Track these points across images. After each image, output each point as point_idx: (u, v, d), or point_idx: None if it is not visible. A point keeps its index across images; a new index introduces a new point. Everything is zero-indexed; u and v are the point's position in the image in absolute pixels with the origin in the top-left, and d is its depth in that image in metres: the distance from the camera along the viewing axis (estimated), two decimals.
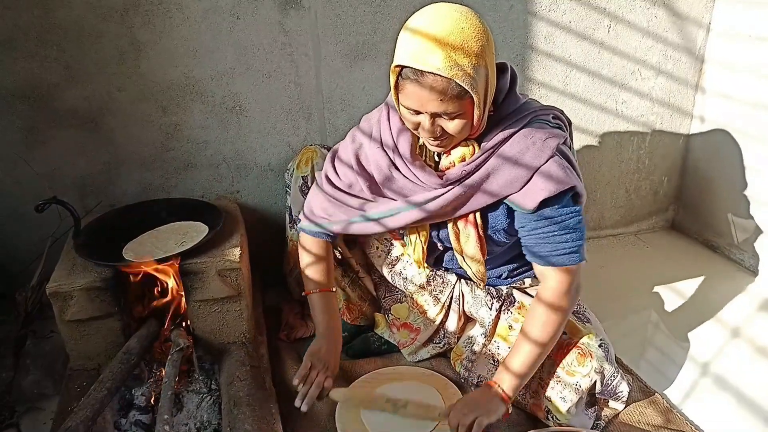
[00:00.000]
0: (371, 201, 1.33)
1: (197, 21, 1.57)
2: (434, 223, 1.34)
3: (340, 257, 1.59)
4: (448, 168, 1.23)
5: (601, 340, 1.31)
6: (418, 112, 1.11)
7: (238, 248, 1.45)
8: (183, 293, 1.45)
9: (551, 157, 1.17)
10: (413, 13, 1.10)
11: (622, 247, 2.23)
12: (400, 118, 1.22)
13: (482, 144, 1.20)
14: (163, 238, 1.52)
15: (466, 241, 1.31)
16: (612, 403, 1.36)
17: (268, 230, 1.81)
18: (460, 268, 1.40)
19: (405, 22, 1.11)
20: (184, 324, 1.50)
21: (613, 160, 2.13)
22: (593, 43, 1.91)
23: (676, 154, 2.21)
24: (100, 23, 1.52)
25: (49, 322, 1.55)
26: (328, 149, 1.68)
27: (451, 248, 1.36)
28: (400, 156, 1.25)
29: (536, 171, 1.17)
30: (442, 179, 1.23)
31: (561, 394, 1.29)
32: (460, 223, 1.30)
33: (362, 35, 1.70)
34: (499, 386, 1.23)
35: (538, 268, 1.26)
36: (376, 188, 1.31)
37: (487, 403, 1.22)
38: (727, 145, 2.04)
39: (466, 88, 1.05)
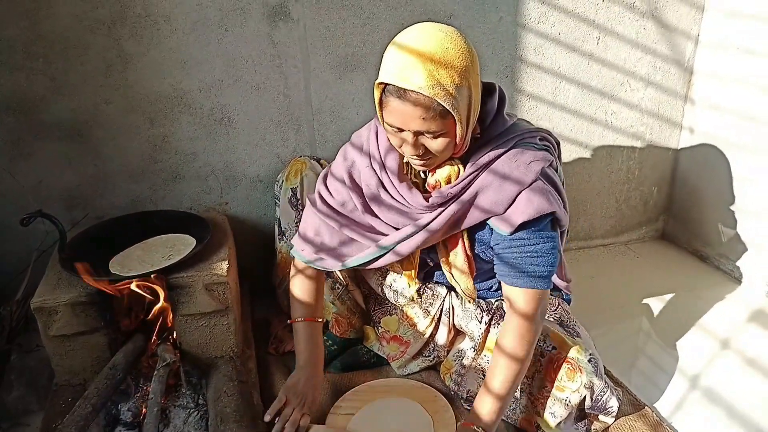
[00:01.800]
0: (358, 230, 1.31)
1: (185, 33, 1.56)
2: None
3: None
4: (435, 186, 1.23)
5: (590, 354, 1.30)
6: (401, 130, 1.11)
7: (226, 262, 1.44)
8: (170, 307, 1.43)
9: (534, 181, 1.17)
10: (401, 26, 1.10)
11: (612, 258, 2.23)
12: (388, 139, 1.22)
13: (468, 165, 1.20)
14: (150, 251, 1.51)
15: (455, 258, 1.32)
16: (602, 417, 1.35)
17: (257, 242, 1.80)
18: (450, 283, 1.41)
19: (393, 38, 1.10)
20: (171, 338, 1.49)
21: (603, 170, 2.14)
22: (582, 55, 1.91)
23: (665, 165, 2.22)
24: (87, 35, 1.51)
25: (35, 336, 1.53)
26: (318, 161, 1.68)
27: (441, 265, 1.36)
28: (387, 174, 1.24)
29: (518, 194, 1.17)
30: (428, 202, 1.22)
31: (551, 410, 1.29)
32: (449, 244, 1.30)
33: (351, 47, 1.70)
34: (477, 428, 1.22)
35: (505, 290, 1.25)
36: (366, 207, 1.29)
37: None
38: (716, 156, 2.05)
39: (447, 107, 1.05)
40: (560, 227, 1.25)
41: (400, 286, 1.51)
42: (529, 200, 1.16)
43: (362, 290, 1.64)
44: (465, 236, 1.28)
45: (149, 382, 1.35)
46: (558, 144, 1.32)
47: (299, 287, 1.41)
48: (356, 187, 1.30)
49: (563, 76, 1.92)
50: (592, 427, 1.35)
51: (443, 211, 1.22)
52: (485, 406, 1.23)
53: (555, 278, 1.43)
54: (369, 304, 1.64)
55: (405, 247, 1.27)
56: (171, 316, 1.44)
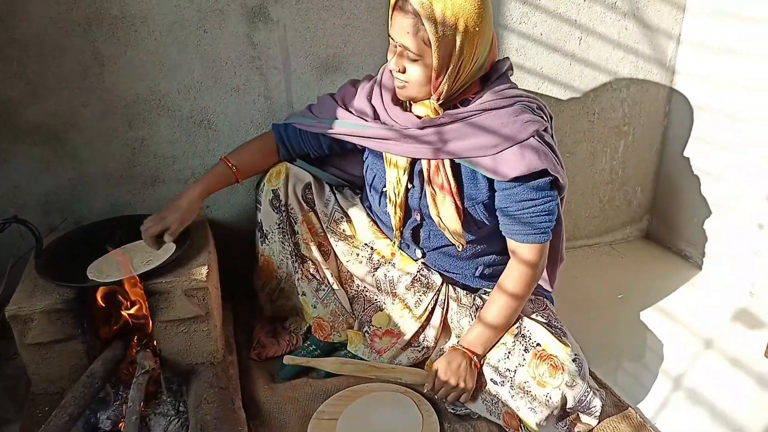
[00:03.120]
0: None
1: (163, 34, 1.54)
2: (411, 189, 1.41)
3: (314, 273, 1.58)
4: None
5: (576, 354, 1.32)
6: (395, 47, 1.25)
7: (206, 267, 1.42)
8: (149, 313, 1.41)
9: (528, 138, 1.26)
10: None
11: (597, 258, 2.24)
12: (389, 78, 1.37)
13: (466, 105, 1.32)
14: (130, 256, 1.48)
15: (443, 203, 1.36)
16: (585, 418, 1.35)
17: (239, 246, 1.78)
18: (441, 245, 1.46)
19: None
20: (151, 345, 1.47)
21: (586, 170, 2.14)
22: (565, 55, 1.91)
23: (648, 165, 2.22)
24: (62, 38, 1.48)
25: (12, 344, 1.49)
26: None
27: (428, 215, 1.40)
28: (382, 102, 1.38)
29: (514, 144, 1.26)
30: (419, 120, 1.32)
31: (530, 405, 1.29)
32: (436, 188, 1.35)
33: (333, 48, 1.68)
34: (473, 355, 1.36)
35: (511, 244, 1.37)
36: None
37: (466, 371, 1.35)
38: (698, 156, 2.06)
39: (429, 33, 1.17)
40: (560, 189, 1.35)
41: (395, 275, 1.52)
42: (522, 155, 1.25)
43: (349, 291, 1.63)
44: (452, 180, 1.34)
45: (129, 389, 1.33)
46: (552, 117, 1.40)
47: (254, 142, 1.57)
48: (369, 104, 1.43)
49: (546, 77, 1.92)
50: (576, 429, 1.35)
51: (432, 127, 1.31)
52: (476, 332, 1.38)
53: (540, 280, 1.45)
54: (356, 304, 1.63)
55: (395, 148, 1.37)
56: (150, 322, 1.43)
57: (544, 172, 1.27)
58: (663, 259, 2.22)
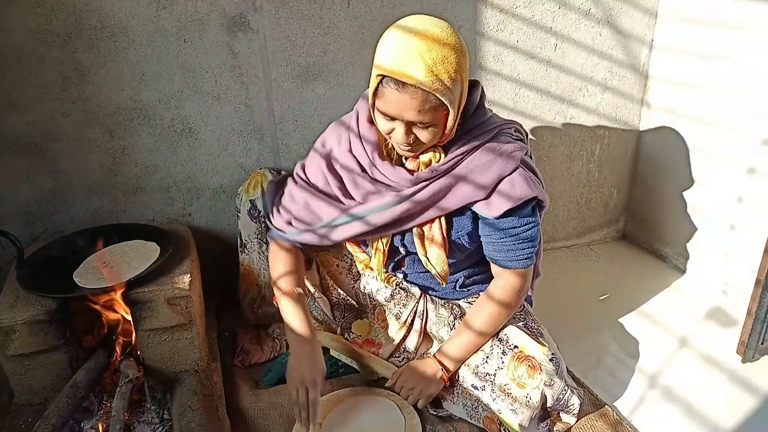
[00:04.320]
0: (350, 200, 1.35)
1: (143, 44, 1.55)
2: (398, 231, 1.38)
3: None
4: (414, 172, 1.30)
5: (552, 354, 1.34)
6: (393, 119, 1.17)
7: (188, 275, 1.43)
8: (132, 322, 1.42)
9: (516, 168, 1.26)
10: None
11: (575, 259, 2.28)
12: (369, 121, 1.29)
13: (451, 150, 1.27)
14: (118, 260, 1.49)
15: (431, 243, 1.36)
16: (564, 417, 1.38)
17: (222, 253, 1.79)
18: (424, 271, 1.44)
19: (388, 28, 1.16)
20: (134, 353, 1.48)
21: (563, 174, 2.18)
22: (541, 62, 1.95)
23: (624, 167, 2.27)
24: (42, 48, 1.48)
25: None
26: (279, 172, 1.68)
27: (414, 253, 1.39)
28: (369, 157, 1.30)
29: (501, 180, 1.26)
30: (413, 176, 1.28)
31: (512, 407, 1.31)
32: (425, 227, 1.35)
33: (313, 56, 1.70)
34: (442, 368, 1.38)
35: (495, 269, 1.39)
36: (344, 191, 1.35)
37: (430, 380, 1.38)
38: (672, 158, 2.11)
39: (445, 102, 1.12)
40: (542, 209, 1.36)
41: (374, 287, 1.52)
42: (512, 187, 1.26)
43: (331, 299, 1.64)
44: (443, 218, 1.33)
45: (113, 398, 1.33)
46: (527, 135, 1.42)
47: (279, 261, 1.42)
48: (334, 173, 1.35)
49: (522, 83, 1.96)
50: (555, 428, 1.38)
51: (428, 185, 1.28)
52: (453, 347, 1.39)
53: None
54: (337, 311, 1.64)
55: (378, 218, 1.31)
56: (134, 331, 1.43)
57: (531, 199, 1.28)
58: (639, 259, 2.27)
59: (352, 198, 1.35)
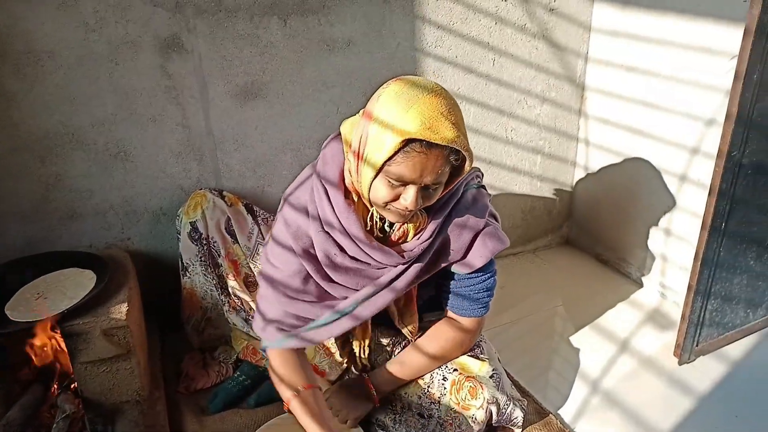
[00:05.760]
0: (327, 293, 1.26)
1: (72, 68, 1.50)
2: None
3: (241, 305, 1.56)
4: (400, 238, 1.23)
5: (493, 370, 1.36)
6: (405, 184, 1.08)
7: (125, 304, 1.40)
8: (68, 355, 1.38)
9: (486, 226, 1.26)
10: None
11: (521, 266, 2.32)
12: (352, 193, 1.18)
13: (432, 215, 1.22)
14: (50, 290, 1.44)
15: (407, 309, 1.36)
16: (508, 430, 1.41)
17: (164, 276, 1.76)
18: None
19: (377, 95, 1.09)
20: (72, 386, 1.43)
21: (507, 183, 2.22)
22: (480, 76, 1.98)
23: (565, 176, 2.33)
24: None
25: None
26: (220, 192, 1.66)
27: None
28: (351, 238, 1.18)
29: (474, 238, 1.26)
30: (403, 257, 1.21)
31: (460, 429, 1.32)
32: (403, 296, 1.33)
33: (251, 75, 1.69)
34: (374, 391, 1.37)
35: (450, 313, 1.38)
36: (323, 273, 1.24)
37: (357, 403, 1.37)
38: (609, 166, 2.17)
39: (466, 156, 1.08)
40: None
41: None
42: (485, 244, 1.26)
43: None
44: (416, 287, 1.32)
45: None
46: (482, 175, 1.42)
47: (281, 365, 1.29)
48: (307, 254, 1.23)
49: (463, 97, 1.99)
50: None
51: (410, 267, 1.24)
52: (388, 377, 1.38)
53: None
54: None
55: (367, 310, 1.26)
56: (70, 363, 1.39)
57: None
58: (583, 264, 2.33)
59: (331, 281, 1.25)
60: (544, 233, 2.41)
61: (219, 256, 1.58)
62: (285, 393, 1.26)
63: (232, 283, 1.59)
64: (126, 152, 1.63)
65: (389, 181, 1.08)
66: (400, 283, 1.24)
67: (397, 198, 1.10)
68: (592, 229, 2.35)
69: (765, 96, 1.43)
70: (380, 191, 1.10)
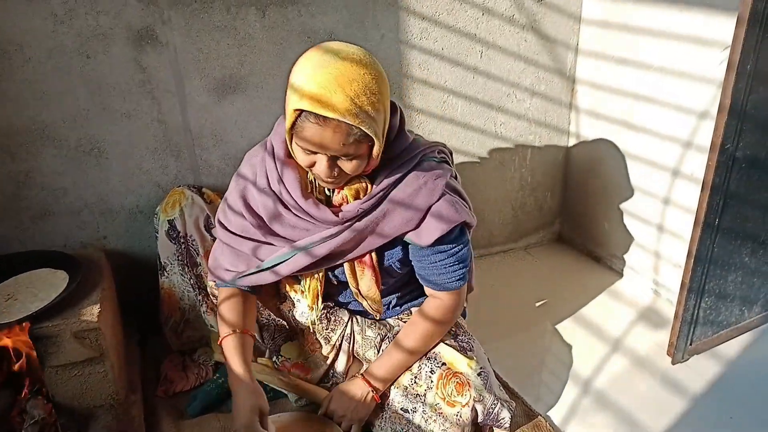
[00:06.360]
0: (265, 244, 1.28)
1: (41, 62, 1.45)
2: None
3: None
4: (341, 203, 1.24)
5: (481, 368, 1.32)
6: (314, 152, 1.11)
7: (97, 306, 1.34)
8: (38, 359, 1.33)
9: (442, 195, 1.22)
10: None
11: (512, 263, 2.28)
12: (288, 154, 1.21)
13: (376, 182, 1.22)
14: (19, 291, 1.39)
15: (362, 276, 1.32)
16: (496, 431, 1.36)
17: (142, 276, 1.70)
18: (355, 301, 1.40)
19: (298, 59, 1.09)
20: (43, 391, 1.38)
21: (497, 179, 2.17)
22: (467, 69, 1.93)
23: (556, 171, 2.28)
24: None
25: None
26: (199, 189, 1.61)
27: (345, 282, 1.35)
28: (291, 196, 1.22)
29: (429, 210, 1.22)
30: (338, 216, 1.21)
31: (443, 427, 1.29)
32: (357, 262, 1.31)
33: (228, 69, 1.63)
34: (372, 389, 1.34)
35: (428, 290, 1.36)
36: (267, 229, 1.27)
37: (359, 404, 1.34)
38: (601, 160, 2.13)
39: (369, 133, 1.07)
40: (470, 228, 1.33)
41: (299, 311, 1.47)
42: (440, 215, 1.22)
43: (259, 319, 1.58)
44: (373, 255, 1.29)
45: None
46: (451, 153, 1.39)
47: (227, 306, 1.34)
48: (252, 212, 1.27)
49: (450, 90, 1.94)
50: None
51: (355, 223, 1.22)
52: (383, 365, 1.35)
53: None
54: (266, 333, 1.58)
55: (323, 248, 1.24)
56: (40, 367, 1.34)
57: (459, 223, 1.26)
58: (575, 261, 2.29)
59: (277, 236, 1.27)
60: (536, 229, 2.36)
61: (197, 255, 1.53)
62: (223, 330, 1.31)
63: (210, 282, 1.54)
64: (100, 149, 1.58)
65: (301, 148, 1.11)
66: (324, 247, 1.23)
67: (313, 164, 1.13)
68: (584, 226, 2.30)
69: (759, 87, 1.38)
70: (299, 156, 1.15)
